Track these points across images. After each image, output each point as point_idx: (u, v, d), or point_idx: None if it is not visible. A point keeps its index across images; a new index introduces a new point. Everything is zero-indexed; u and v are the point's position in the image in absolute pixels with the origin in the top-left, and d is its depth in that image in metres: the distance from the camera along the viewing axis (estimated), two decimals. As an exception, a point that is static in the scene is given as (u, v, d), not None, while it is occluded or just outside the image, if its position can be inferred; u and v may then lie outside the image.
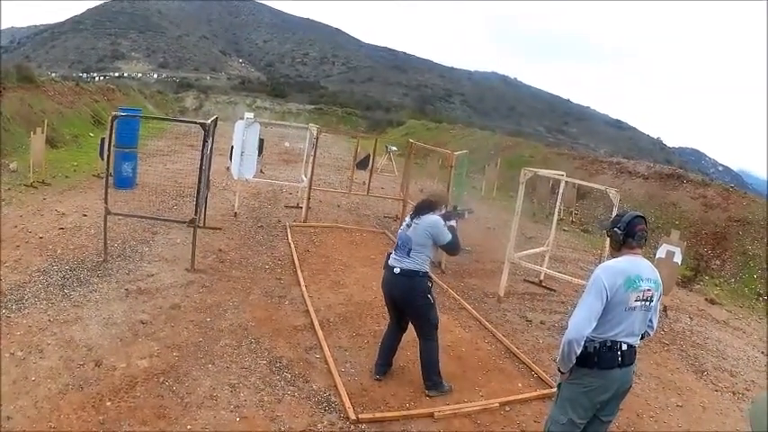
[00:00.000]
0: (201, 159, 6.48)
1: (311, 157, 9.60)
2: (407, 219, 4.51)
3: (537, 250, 8.01)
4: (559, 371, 3.11)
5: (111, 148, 6.91)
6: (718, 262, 11.02)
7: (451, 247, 4.48)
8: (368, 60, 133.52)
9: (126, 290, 5.79)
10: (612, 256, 3.17)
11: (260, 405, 4.05)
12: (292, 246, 7.99)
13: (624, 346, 2.97)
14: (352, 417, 3.97)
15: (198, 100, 44.70)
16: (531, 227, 11.92)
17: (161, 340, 4.83)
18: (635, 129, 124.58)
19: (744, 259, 10.76)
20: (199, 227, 7.41)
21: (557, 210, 8.42)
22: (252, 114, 9.62)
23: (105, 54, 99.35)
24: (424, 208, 4.44)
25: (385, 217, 11.35)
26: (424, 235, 4.32)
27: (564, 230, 12.35)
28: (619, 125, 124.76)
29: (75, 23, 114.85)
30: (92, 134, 16.28)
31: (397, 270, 4.38)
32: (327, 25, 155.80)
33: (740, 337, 7.50)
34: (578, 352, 2.91)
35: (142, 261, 6.66)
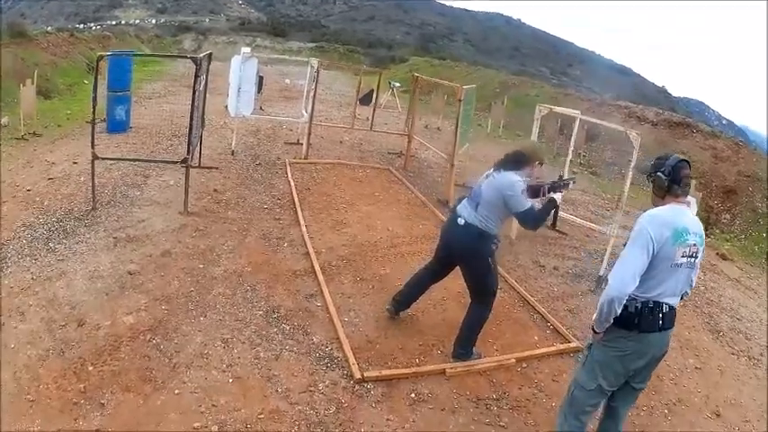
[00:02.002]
0: (193, 96, 5.72)
1: (312, 93, 8.79)
2: (489, 171, 3.79)
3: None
4: (593, 329, 2.70)
5: (99, 91, 6.23)
6: (728, 216, 10.48)
7: (529, 220, 3.60)
8: None
9: (114, 238, 5.22)
10: (654, 204, 2.71)
11: (255, 363, 3.54)
12: (292, 183, 7.35)
13: (666, 308, 2.61)
14: (357, 375, 3.47)
15: (196, 42, 43.03)
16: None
17: (149, 292, 4.30)
18: (640, 76, 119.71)
19: (754, 216, 10.19)
20: (192, 167, 6.78)
21: (570, 150, 7.67)
22: (249, 49, 8.71)
23: (102, 4, 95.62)
24: (509, 162, 3.67)
25: (389, 153, 10.61)
26: (495, 194, 3.58)
27: (573, 172, 11.70)
28: (624, 71, 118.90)
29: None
30: (86, 81, 15.41)
31: (461, 221, 3.69)
32: None
33: (752, 297, 6.91)
34: (619, 312, 2.53)
35: (133, 206, 6.06)
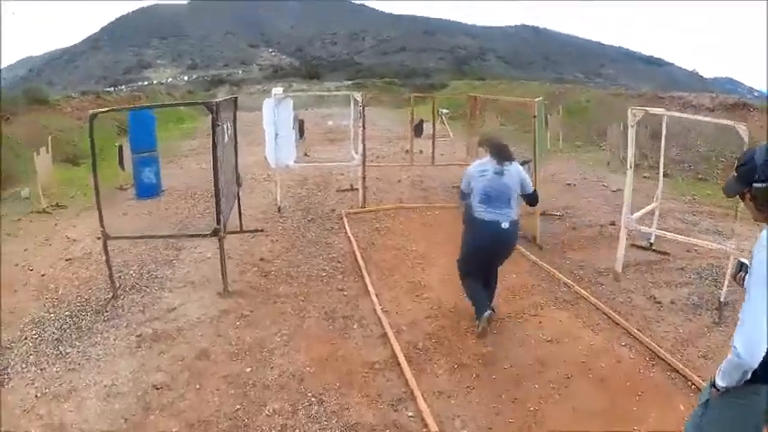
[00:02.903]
0: (214, 150, 4.84)
1: (360, 129, 7.93)
2: (491, 166, 4.20)
3: (648, 208, 6.33)
4: (713, 386, 2.13)
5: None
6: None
7: (535, 197, 4.45)
8: (397, 31, 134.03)
9: (138, 336, 4.34)
10: (762, 221, 2.06)
11: None
12: (352, 240, 6.39)
13: None
14: None
15: (230, 93, 43.72)
16: (611, 178, 10.40)
17: (181, 415, 3.34)
18: (671, 63, 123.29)
19: None
20: (232, 233, 5.93)
21: (661, 157, 6.55)
22: (281, 89, 7.96)
23: (131, 66, 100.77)
24: (508, 154, 4.27)
25: (454, 187, 9.61)
26: (518, 183, 4.20)
27: (645, 177, 10.51)
28: (654, 61, 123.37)
29: (93, 42, 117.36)
30: (116, 144, 15.29)
31: (506, 225, 4.13)
32: (351, 2, 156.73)
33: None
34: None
35: (162, 290, 5.21)
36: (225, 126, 5.59)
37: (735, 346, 1.96)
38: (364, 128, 7.86)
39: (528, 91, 22.70)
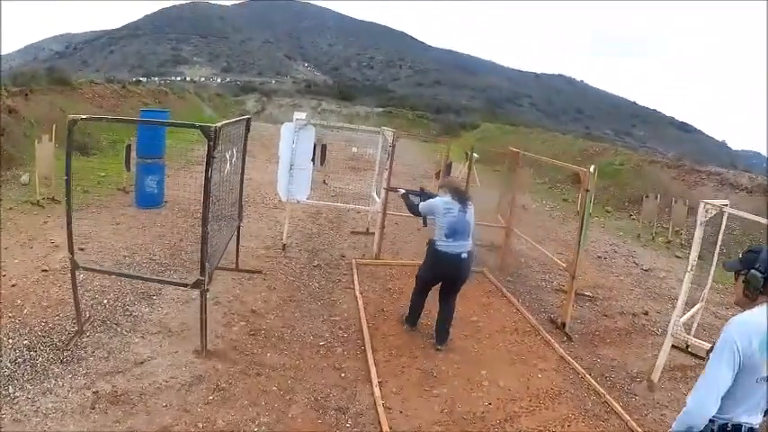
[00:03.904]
0: (206, 184, 4.02)
1: (387, 171, 7.27)
2: (454, 204, 4.81)
3: (694, 310, 5.72)
4: None
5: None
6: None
7: None
8: (434, 63, 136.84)
9: (95, 393, 3.68)
10: (742, 305, 2.45)
11: None
12: (360, 301, 5.69)
13: (744, 429, 2.34)
14: None
15: (259, 103, 43.57)
16: (641, 253, 9.87)
17: None
18: (700, 132, 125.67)
19: None
20: (224, 269, 5.28)
21: (715, 258, 5.80)
22: (304, 115, 7.27)
23: (166, 59, 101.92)
24: (467, 196, 4.98)
25: (478, 245, 8.95)
26: (473, 218, 4.92)
27: (677, 257, 9.99)
28: (685, 128, 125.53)
29: (133, 29, 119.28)
30: (132, 138, 14.84)
31: (464, 255, 4.80)
32: (392, 29, 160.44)
33: None
34: None
35: (134, 332, 4.55)
36: (230, 152, 4.98)
37: (687, 402, 2.32)
38: (391, 172, 7.21)
39: (558, 144, 22.17)
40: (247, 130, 5.70)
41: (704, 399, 2.28)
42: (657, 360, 4.92)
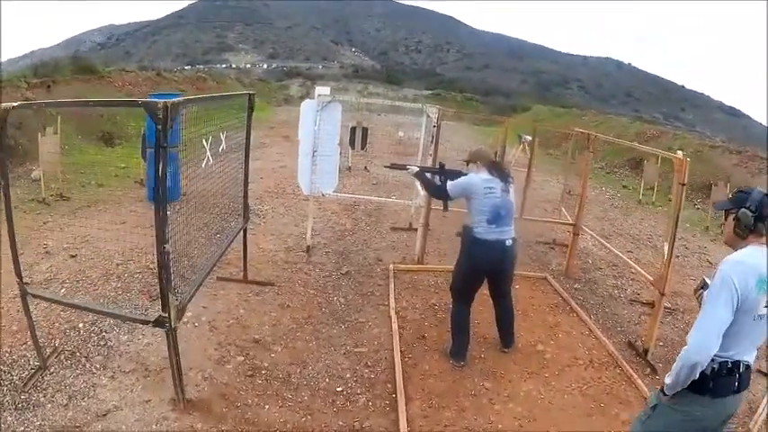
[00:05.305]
0: (157, 185, 2.96)
1: (431, 152, 6.12)
2: (495, 182, 4.08)
3: None
4: (662, 391, 2.43)
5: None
6: None
7: None
8: (482, 47, 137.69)
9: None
10: (733, 245, 2.42)
11: None
12: (395, 324, 4.58)
13: (743, 367, 2.35)
14: None
15: (304, 87, 42.63)
16: (713, 249, 8.62)
17: None
18: (748, 116, 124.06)
19: None
20: (229, 280, 4.28)
21: None
22: (327, 90, 6.12)
23: (211, 47, 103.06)
24: (508, 171, 4.29)
25: (537, 242, 7.73)
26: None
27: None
28: (733, 112, 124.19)
29: (177, 18, 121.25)
30: (143, 130, 14.24)
31: (509, 242, 4.12)
32: (439, 13, 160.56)
33: None
34: (698, 376, 2.28)
35: (104, 370, 3.60)
36: (221, 136, 4.02)
37: (688, 341, 2.27)
38: (436, 156, 6.05)
39: (614, 127, 20.56)
40: (251, 109, 4.66)
41: (706, 336, 2.25)
42: (757, 414, 3.65)
